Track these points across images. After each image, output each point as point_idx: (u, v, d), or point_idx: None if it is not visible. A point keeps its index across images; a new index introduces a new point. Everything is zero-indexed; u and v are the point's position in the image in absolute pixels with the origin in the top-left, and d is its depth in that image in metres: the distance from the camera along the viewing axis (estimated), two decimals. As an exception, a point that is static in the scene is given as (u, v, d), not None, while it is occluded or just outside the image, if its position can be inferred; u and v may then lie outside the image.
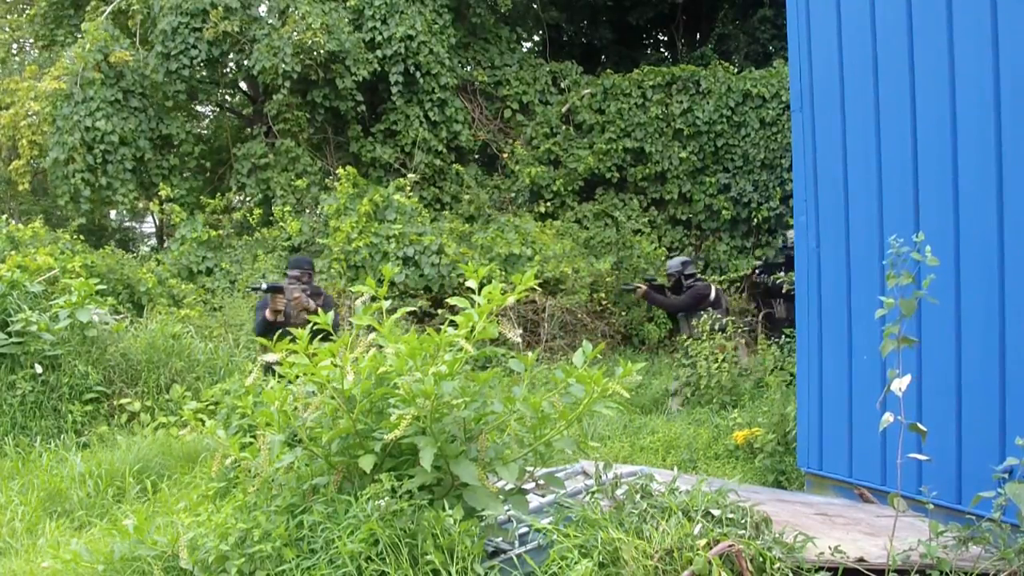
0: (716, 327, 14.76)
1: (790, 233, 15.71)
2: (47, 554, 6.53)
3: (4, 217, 19.30)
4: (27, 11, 29.50)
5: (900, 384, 5.31)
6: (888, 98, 8.11)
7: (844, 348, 8.59)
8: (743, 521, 5.36)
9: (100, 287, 14.63)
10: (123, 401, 12.99)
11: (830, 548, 5.36)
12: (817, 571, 5.11)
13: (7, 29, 29.44)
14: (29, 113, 22.10)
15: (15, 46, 30.30)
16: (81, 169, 20.79)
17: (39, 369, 12.67)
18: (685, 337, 15.09)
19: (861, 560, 5.32)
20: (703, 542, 4.99)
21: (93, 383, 12.94)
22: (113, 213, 28.59)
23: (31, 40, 29.71)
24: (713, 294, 15.47)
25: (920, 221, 7.60)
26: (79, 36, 23.08)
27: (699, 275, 16.47)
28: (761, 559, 5.02)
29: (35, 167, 22.80)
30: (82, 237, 20.18)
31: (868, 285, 8.22)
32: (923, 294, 5.55)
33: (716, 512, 5.40)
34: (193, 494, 7.88)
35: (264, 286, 11.60)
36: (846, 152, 8.62)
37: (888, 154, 8.08)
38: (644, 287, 15.75)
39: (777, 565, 5.01)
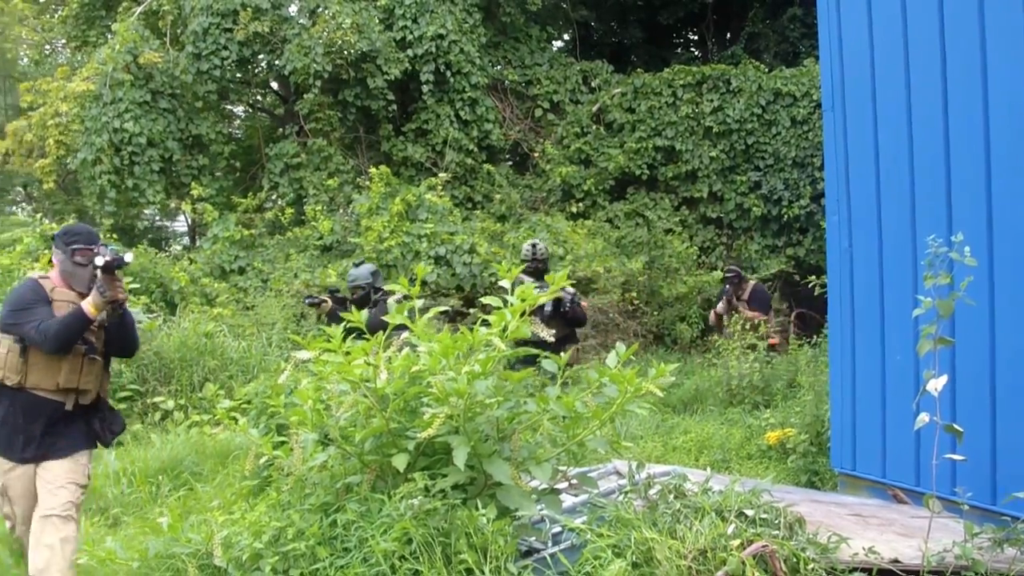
0: (747, 326, 14.75)
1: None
2: (82, 551, 6.54)
3: (38, 216, 19.39)
4: (59, 12, 29.66)
5: (936, 384, 5.29)
6: (920, 96, 8.07)
7: (877, 348, 8.55)
8: (777, 521, 5.34)
9: (133, 286, 14.72)
10: (156, 399, 13.05)
11: (864, 549, 5.34)
12: (851, 572, 5.09)
13: (40, 30, 29.57)
14: (58, 113, 22.19)
15: (47, 47, 30.45)
16: (108, 170, 20.87)
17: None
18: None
19: (895, 561, 5.30)
20: (737, 542, 4.97)
21: (127, 381, 13.02)
22: (147, 211, 28.71)
23: (63, 41, 29.88)
24: None
25: (953, 220, 7.56)
26: (110, 37, 23.16)
27: (387, 289, 13.37)
28: (795, 559, 5.01)
29: (63, 166, 22.87)
30: (115, 236, 20.26)
31: (901, 284, 8.19)
32: (960, 295, 5.52)
33: (750, 512, 5.38)
34: (227, 492, 7.90)
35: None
36: (878, 150, 8.58)
37: (920, 152, 8.04)
38: (330, 302, 13.15)
39: (811, 566, 4.99)
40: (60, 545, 6.79)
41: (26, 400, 6.89)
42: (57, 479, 6.95)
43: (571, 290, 12.37)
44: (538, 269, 12.99)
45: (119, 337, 7.26)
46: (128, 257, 6.76)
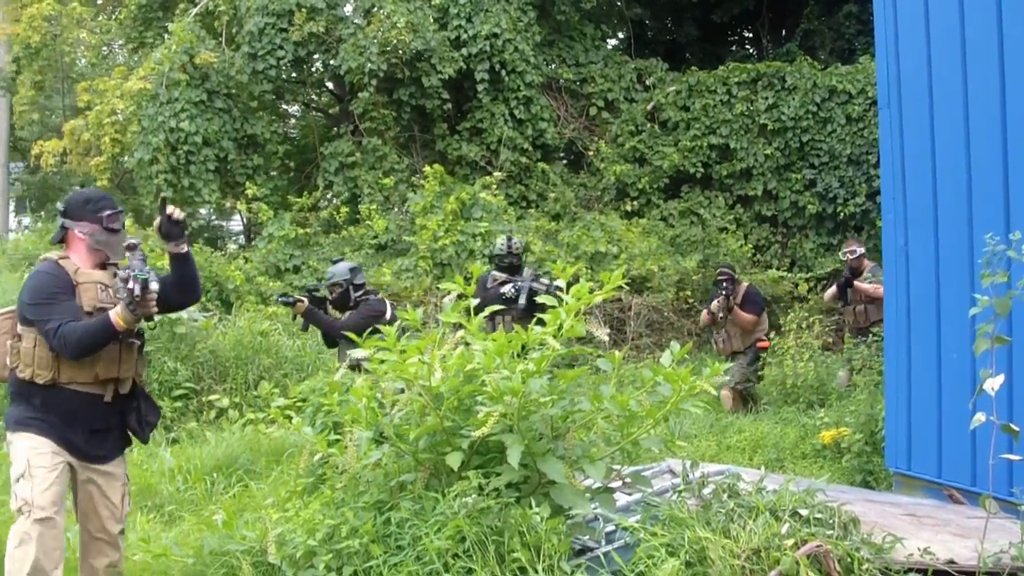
0: (803, 325, 14.70)
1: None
2: (138, 547, 6.59)
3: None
4: (116, 14, 29.87)
5: (993, 384, 5.25)
6: (977, 92, 8.01)
7: (933, 346, 8.50)
8: (831, 521, 5.31)
9: (189, 284, 14.77)
10: (212, 397, 13.13)
11: (919, 549, 5.30)
12: (906, 572, 5.06)
13: (97, 32, 29.80)
14: (114, 111, 22.35)
15: (105, 49, 30.66)
16: (164, 170, 21.01)
17: (129, 365, 12.80)
18: (355, 366, 10.52)
19: (951, 562, 5.26)
20: (791, 542, 4.96)
21: (182, 379, 13.09)
22: (203, 211, 28.88)
23: (120, 43, 30.09)
24: (389, 312, 11.66)
25: (1011, 218, 7.50)
26: (167, 37, 23.32)
27: (371, 287, 12.72)
28: (849, 560, 4.99)
29: (118, 164, 23.04)
30: (137, 247, 20.36)
31: (957, 282, 8.13)
32: (1018, 293, 5.47)
33: (804, 512, 5.36)
34: (281, 490, 7.93)
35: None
36: (934, 148, 8.52)
37: (977, 149, 7.98)
38: (305, 302, 11.66)
39: (865, 566, 4.97)
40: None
41: (61, 398, 6.08)
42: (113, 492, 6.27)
43: (546, 281, 12.20)
44: (512, 264, 12.95)
45: (185, 283, 6.50)
46: (154, 285, 5.90)
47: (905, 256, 8.95)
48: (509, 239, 13.15)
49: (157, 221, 6.31)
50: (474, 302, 5.97)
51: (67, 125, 24.45)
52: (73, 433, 6.12)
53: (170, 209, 6.23)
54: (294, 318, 12.37)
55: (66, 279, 6.13)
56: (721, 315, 14.85)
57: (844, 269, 15.59)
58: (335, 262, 12.18)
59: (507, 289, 12.18)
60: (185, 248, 6.41)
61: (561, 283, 5.93)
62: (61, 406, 6.10)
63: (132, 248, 6.09)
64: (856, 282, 14.55)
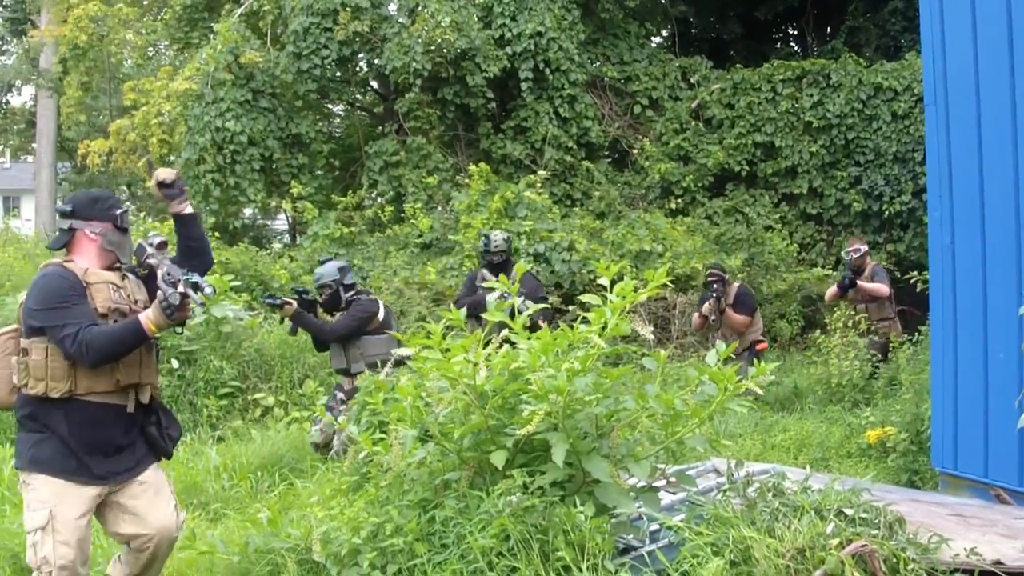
0: (849, 323, 14.63)
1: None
2: (184, 544, 6.63)
3: (141, 215, 19.67)
4: (162, 15, 30.06)
5: (1040, 382, 5.22)
6: (1026, 90, 7.97)
7: (980, 345, 8.44)
8: (876, 521, 5.29)
9: (234, 283, 14.87)
10: (257, 396, 13.20)
11: (965, 550, 5.27)
12: (952, 573, 5.04)
13: (143, 32, 30.00)
14: (161, 112, 22.49)
15: (150, 49, 30.85)
16: (211, 169, 21.13)
17: (176, 364, 12.91)
18: (344, 369, 11.40)
19: (998, 563, 5.23)
20: (836, 541, 4.94)
21: (228, 378, 13.17)
22: (248, 211, 28.99)
23: (165, 43, 30.28)
24: (382, 312, 11.36)
25: (1060, 216, 7.46)
26: (212, 38, 23.45)
27: (362, 287, 12.86)
28: (895, 560, 4.96)
29: (166, 165, 23.16)
30: (216, 234, 20.47)
31: (1004, 281, 8.08)
32: (1064, 291, 5.44)
33: (849, 511, 5.34)
34: (326, 488, 7.96)
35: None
36: (981, 145, 8.47)
37: (1026, 146, 7.94)
38: (294, 304, 11.17)
39: (911, 566, 4.94)
40: None
41: (80, 412, 5.59)
42: (160, 487, 5.93)
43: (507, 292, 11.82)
44: (493, 263, 12.99)
45: (195, 247, 6.20)
46: (208, 289, 5.58)
47: (951, 254, 8.90)
48: (487, 237, 13.18)
49: (153, 184, 6.14)
50: (516, 300, 5.97)
51: (113, 125, 24.66)
52: (97, 457, 5.63)
53: (159, 174, 6.10)
54: (281, 321, 12.12)
55: (77, 281, 5.66)
56: (713, 317, 14.71)
57: (846, 268, 15.47)
58: (323, 262, 11.85)
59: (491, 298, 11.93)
60: (189, 207, 6.15)
61: (509, 295, 5.98)
62: (80, 421, 5.60)
63: (162, 247, 5.98)
64: (859, 281, 14.56)
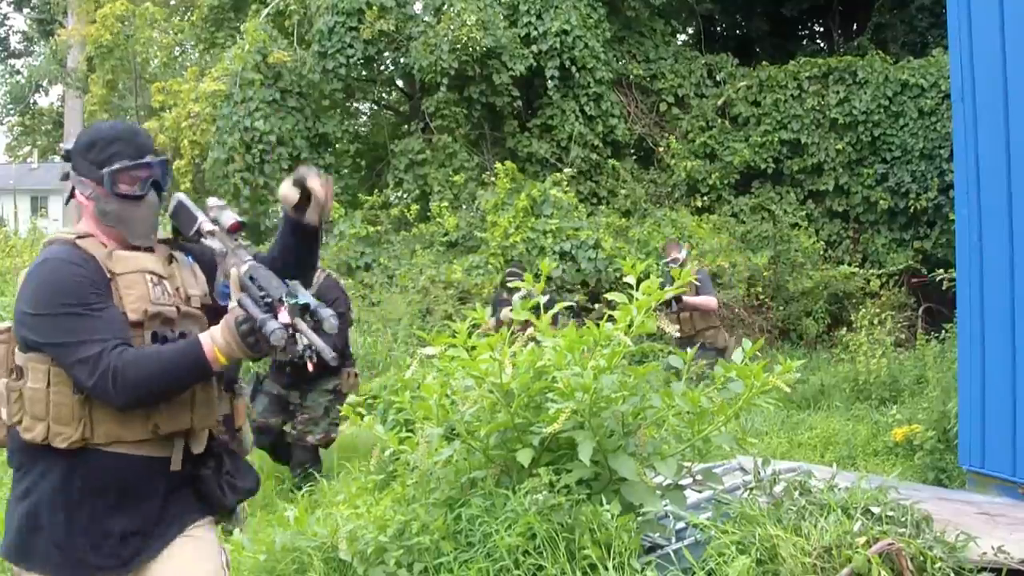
0: (875, 321, 14.57)
1: None
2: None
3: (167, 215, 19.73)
4: (188, 15, 30.18)
5: (1069, 380, 5.20)
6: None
7: (1007, 343, 8.41)
8: (903, 519, 5.27)
9: (261, 283, 14.87)
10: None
11: (993, 548, 5.25)
12: (980, 571, 5.02)
13: (170, 33, 30.12)
14: (191, 114, 22.58)
15: (177, 49, 30.98)
16: (240, 169, 21.24)
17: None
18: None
19: (1027, 560, 5.21)
20: (862, 540, 4.92)
21: (254, 376, 13.18)
22: (272, 209, 29.10)
23: (192, 43, 30.41)
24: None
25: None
26: (239, 38, 23.54)
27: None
28: (922, 558, 4.95)
29: (197, 166, 23.27)
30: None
31: (1034, 279, 8.05)
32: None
33: (876, 510, 5.32)
34: (352, 486, 7.96)
35: None
36: (1009, 141, 8.43)
37: (1054, 144, 7.90)
38: None
39: (938, 564, 4.93)
40: None
41: (96, 470, 3.74)
42: None
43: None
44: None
45: (306, 263, 4.34)
46: (333, 321, 3.60)
47: (979, 252, 8.86)
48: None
49: (289, 185, 4.25)
50: (542, 298, 5.96)
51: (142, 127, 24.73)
52: (115, 538, 3.81)
53: (314, 182, 4.27)
54: None
55: (96, 270, 3.78)
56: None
57: (664, 277, 14.21)
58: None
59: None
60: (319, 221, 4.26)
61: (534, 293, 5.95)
62: (96, 484, 3.75)
63: (238, 228, 4.08)
64: (684, 297, 13.18)
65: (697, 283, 13.22)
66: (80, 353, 3.59)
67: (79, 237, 3.88)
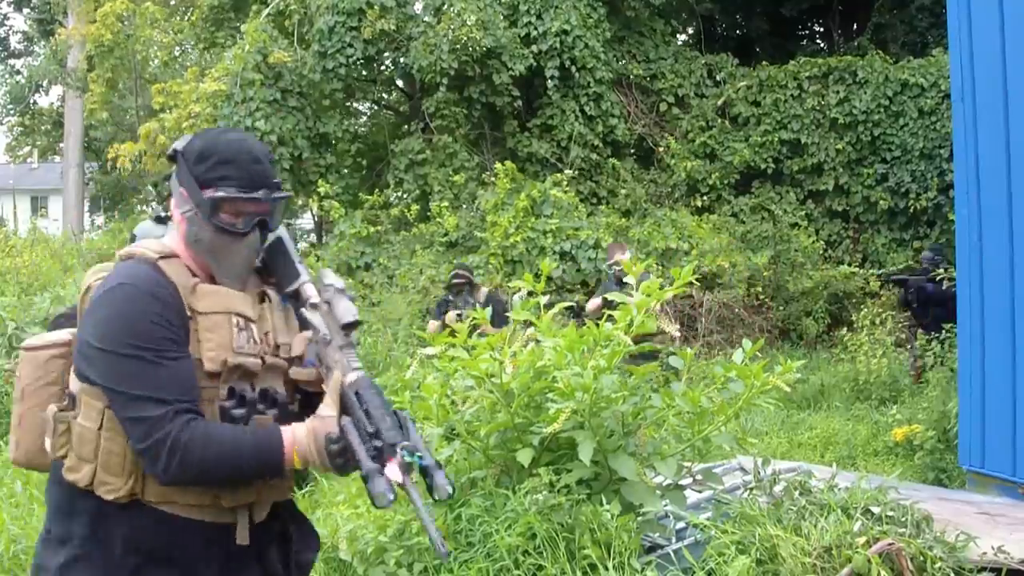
0: (875, 321, 14.57)
1: None
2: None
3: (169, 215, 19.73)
4: (188, 15, 30.20)
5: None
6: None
7: (1007, 343, 8.41)
8: (903, 519, 5.28)
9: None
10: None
11: (993, 548, 5.26)
12: (980, 571, 5.03)
13: (170, 32, 30.14)
14: (192, 114, 22.60)
15: (177, 49, 31.01)
16: (242, 169, 21.23)
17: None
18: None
19: (1027, 560, 5.22)
20: (862, 540, 4.93)
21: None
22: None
23: (191, 43, 30.42)
24: None
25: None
26: (239, 38, 23.56)
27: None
28: (922, 558, 4.96)
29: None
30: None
31: (1034, 278, 8.06)
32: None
33: (876, 510, 5.34)
34: (352, 486, 7.96)
35: None
36: (1009, 141, 8.44)
37: (1054, 144, 7.91)
38: None
39: (938, 564, 4.94)
40: None
41: (145, 528, 3.15)
42: None
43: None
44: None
45: None
46: (448, 489, 3.03)
47: (979, 252, 8.87)
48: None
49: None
50: (542, 298, 5.97)
51: (142, 128, 24.74)
52: None
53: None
54: None
55: (176, 304, 3.16)
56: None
57: (607, 279, 13.72)
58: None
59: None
60: None
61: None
62: (142, 544, 3.15)
63: (353, 328, 3.32)
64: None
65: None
66: (138, 410, 3.02)
67: (162, 257, 3.27)
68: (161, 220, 5.49)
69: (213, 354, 3.16)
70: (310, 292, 3.37)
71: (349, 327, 3.27)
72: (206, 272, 3.30)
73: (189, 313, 3.17)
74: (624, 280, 12.67)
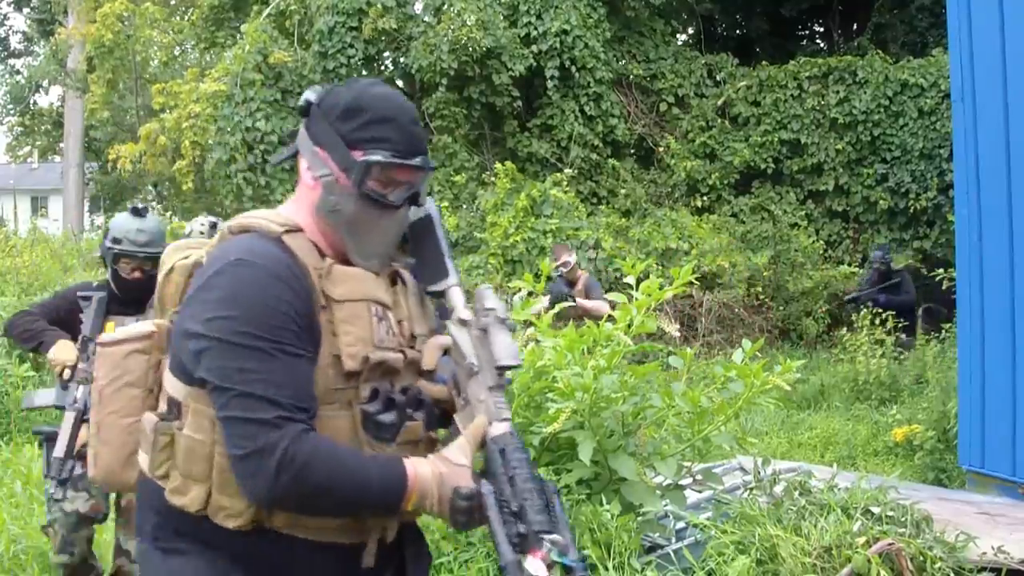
0: (877, 320, 14.57)
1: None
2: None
3: (168, 214, 19.73)
4: (188, 15, 30.20)
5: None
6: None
7: (1007, 343, 8.42)
8: (903, 519, 5.29)
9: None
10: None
11: (993, 548, 5.26)
12: (980, 571, 5.03)
13: (170, 32, 30.15)
14: (192, 115, 22.59)
15: (177, 49, 31.02)
16: (243, 169, 21.23)
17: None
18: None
19: (1026, 560, 5.22)
20: (862, 540, 4.93)
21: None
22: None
23: (191, 43, 30.44)
24: None
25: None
26: (239, 38, 23.57)
27: None
28: (922, 558, 4.96)
29: (198, 167, 23.28)
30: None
31: (1034, 278, 8.06)
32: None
33: (876, 510, 5.34)
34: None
35: None
36: (1009, 141, 8.44)
37: (1054, 144, 7.91)
38: None
39: (938, 564, 4.94)
40: None
41: (267, 557, 2.66)
42: None
43: None
44: None
45: None
46: None
47: (979, 252, 8.87)
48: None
49: None
50: (543, 298, 5.97)
51: (143, 129, 24.75)
52: None
53: None
54: None
55: (304, 289, 2.62)
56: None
57: (556, 281, 12.89)
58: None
59: None
60: None
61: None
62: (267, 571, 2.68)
63: (509, 367, 2.73)
64: (578, 300, 12.24)
65: (588, 288, 12.72)
66: (243, 409, 2.47)
67: (288, 231, 2.73)
68: (138, 212, 5.52)
69: (353, 349, 2.65)
70: (459, 302, 2.88)
71: (504, 368, 2.71)
72: (337, 250, 2.78)
73: (323, 301, 2.64)
74: (571, 281, 12.76)
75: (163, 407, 2.73)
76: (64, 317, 5.93)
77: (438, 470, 2.58)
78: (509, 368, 2.70)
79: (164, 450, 2.66)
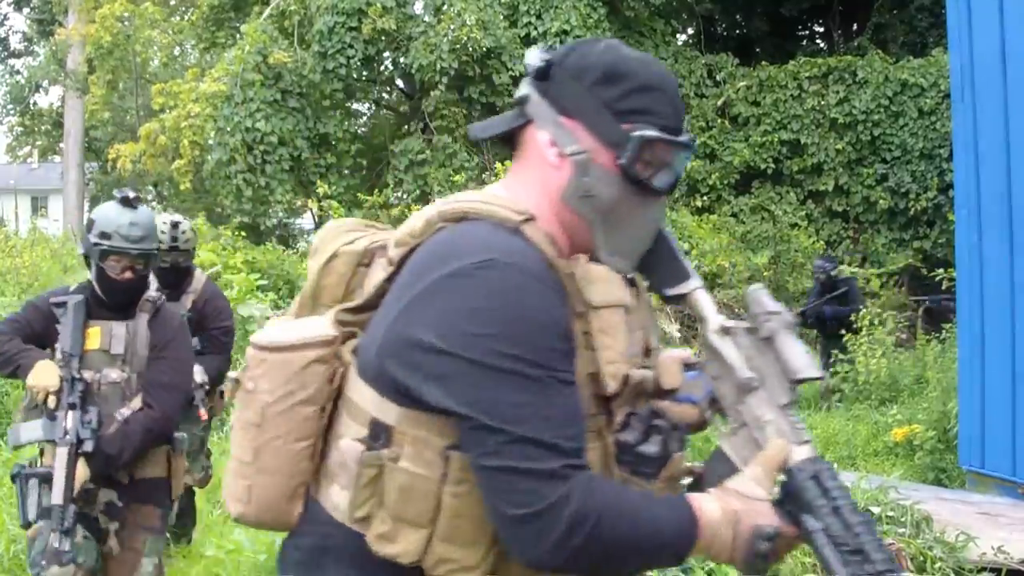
0: (875, 321, 14.56)
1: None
2: (210, 543, 6.63)
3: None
4: (188, 15, 30.20)
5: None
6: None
7: (1007, 343, 8.41)
8: (903, 519, 5.28)
9: (261, 282, 14.85)
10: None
11: (993, 548, 5.26)
12: (979, 571, 5.03)
13: (170, 33, 30.14)
14: (191, 115, 22.58)
15: (176, 49, 31.01)
16: (242, 169, 21.25)
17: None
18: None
19: (1026, 560, 5.22)
20: (863, 540, 4.92)
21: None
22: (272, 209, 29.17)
23: (191, 43, 30.43)
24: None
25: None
26: (239, 38, 23.56)
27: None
28: (922, 558, 4.95)
29: (197, 166, 23.27)
30: (243, 233, 20.49)
31: (1034, 279, 8.06)
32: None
33: (876, 509, 5.33)
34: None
35: None
36: (1009, 142, 8.44)
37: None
38: None
39: (938, 564, 4.94)
40: None
41: None
42: None
43: None
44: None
45: None
46: None
47: (979, 252, 8.87)
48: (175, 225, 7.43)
49: None
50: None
51: (142, 129, 24.75)
52: None
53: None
54: None
55: (563, 296, 2.12)
56: None
57: None
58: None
59: None
60: None
61: None
62: None
63: (804, 381, 2.27)
64: None
65: None
66: (522, 458, 1.96)
67: (525, 221, 2.15)
68: (128, 202, 4.86)
69: (614, 368, 2.18)
70: (710, 308, 2.38)
71: (803, 381, 2.25)
72: (576, 245, 2.25)
73: (582, 308, 2.15)
74: None
75: (358, 431, 2.19)
76: (40, 331, 5.16)
77: (731, 507, 2.09)
78: (808, 380, 2.26)
79: (368, 487, 2.14)
